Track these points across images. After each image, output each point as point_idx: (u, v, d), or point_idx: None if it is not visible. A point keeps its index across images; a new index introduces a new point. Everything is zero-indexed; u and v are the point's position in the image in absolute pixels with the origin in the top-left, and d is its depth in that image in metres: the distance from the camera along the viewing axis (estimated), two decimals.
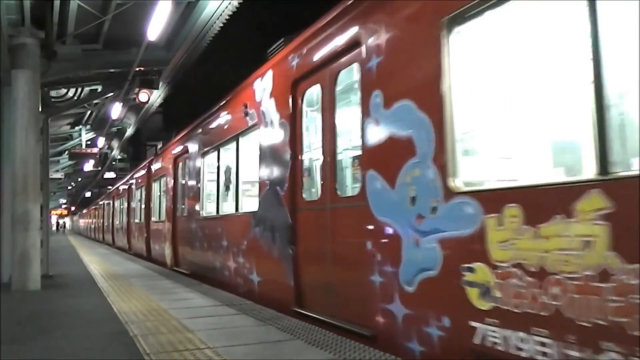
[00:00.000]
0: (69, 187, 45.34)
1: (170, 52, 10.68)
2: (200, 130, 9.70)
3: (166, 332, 4.45)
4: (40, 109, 8.51)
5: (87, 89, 13.39)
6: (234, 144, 7.70)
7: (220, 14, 8.85)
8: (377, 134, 4.09)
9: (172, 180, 11.72)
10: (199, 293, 6.92)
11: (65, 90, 13.37)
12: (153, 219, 14.37)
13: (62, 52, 9.26)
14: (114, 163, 30.83)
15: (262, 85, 6.49)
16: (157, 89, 12.12)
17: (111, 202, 25.37)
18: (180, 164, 11.32)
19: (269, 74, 6.35)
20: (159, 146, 15.10)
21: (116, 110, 14.09)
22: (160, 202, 13.68)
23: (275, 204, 5.87)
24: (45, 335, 4.62)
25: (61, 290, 7.79)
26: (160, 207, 13.62)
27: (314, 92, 5.49)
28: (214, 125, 8.85)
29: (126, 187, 19.98)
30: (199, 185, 9.44)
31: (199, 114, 10.11)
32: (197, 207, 9.55)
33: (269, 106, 6.22)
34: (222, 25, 9.29)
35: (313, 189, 5.81)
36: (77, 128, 19.55)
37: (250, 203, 7.50)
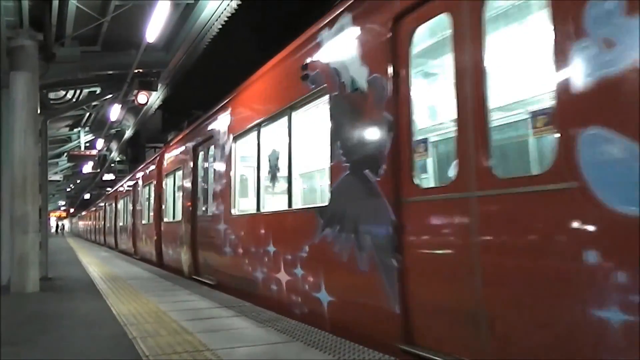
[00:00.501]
0: (68, 189, 45.34)
1: (169, 53, 10.69)
2: (229, 110, 7.88)
3: (165, 334, 4.44)
4: (38, 111, 8.50)
5: (85, 91, 13.41)
6: (284, 119, 5.95)
7: (219, 16, 8.87)
8: (608, 62, 2.47)
9: (191, 174, 10.00)
10: (199, 295, 6.91)
11: (64, 92, 13.39)
12: (165, 219, 12.51)
13: (60, 54, 9.26)
14: (113, 165, 30.82)
15: (333, 36, 4.92)
16: (156, 90, 12.13)
17: (114, 203, 23.58)
18: (202, 153, 9.57)
19: (346, 19, 4.71)
20: (170, 137, 13.05)
21: (115, 112, 14.10)
22: (174, 199, 11.76)
23: (362, 194, 4.27)
24: (44, 338, 4.60)
25: (60, 293, 7.77)
26: (174, 206, 11.72)
27: (434, 28, 4.05)
28: (250, 101, 7.21)
29: (131, 185, 18.16)
30: (230, 176, 7.64)
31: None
32: (226, 204, 7.75)
33: (348, 61, 4.57)
34: (221, 26, 9.31)
35: (435, 170, 4.57)
36: (75, 130, 19.57)
37: (312, 195, 6.43)
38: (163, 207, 12.78)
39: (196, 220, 9.58)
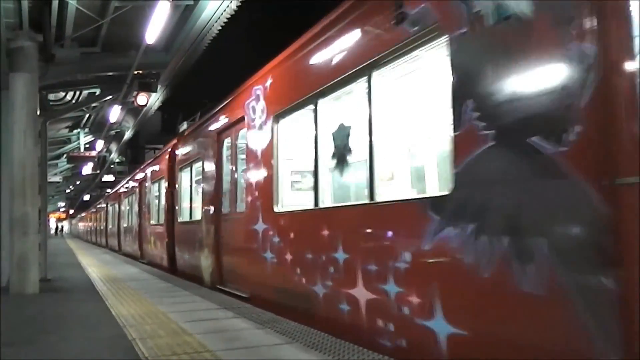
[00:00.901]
0: (68, 191, 45.37)
1: (169, 55, 10.70)
2: (268, 83, 6.43)
3: (165, 335, 4.44)
4: (38, 112, 8.51)
5: (85, 92, 13.44)
6: (361, 83, 4.54)
7: (219, 17, 8.89)
8: None
9: (214, 165, 8.54)
10: (198, 296, 6.90)
11: (63, 94, 13.43)
12: (180, 219, 11.09)
13: (60, 55, 9.27)
14: (112, 166, 30.88)
15: None
16: (156, 92, 12.14)
17: (117, 202, 22.19)
18: (228, 139, 8.13)
19: None
20: (182, 127, 11.70)
21: (115, 113, 14.11)
22: (191, 196, 10.36)
23: (525, 174, 2.86)
24: (43, 339, 4.59)
25: (59, 294, 7.76)
26: (192, 203, 10.34)
27: None
28: (301, 67, 5.73)
29: (137, 182, 16.67)
30: (270, 165, 6.26)
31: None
32: (266, 199, 6.35)
33: None
34: (220, 27, 9.33)
35: None
36: (75, 131, 19.60)
37: (412, 183, 5.07)
38: (177, 205, 11.30)
39: (221, 219, 8.18)
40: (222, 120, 8.31)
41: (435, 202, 3.55)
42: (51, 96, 13.09)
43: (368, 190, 4.36)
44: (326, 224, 4.95)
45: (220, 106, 8.46)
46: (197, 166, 9.84)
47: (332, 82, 4.94)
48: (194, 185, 10.24)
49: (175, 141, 11.90)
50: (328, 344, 3.98)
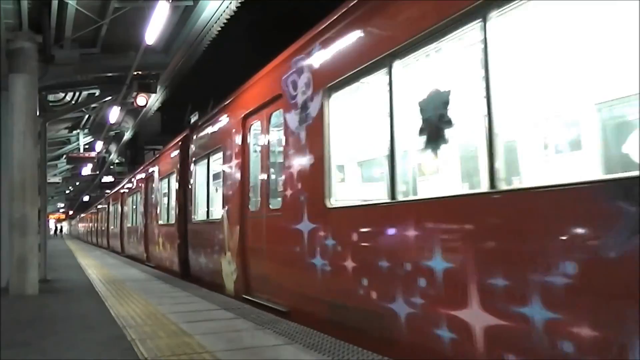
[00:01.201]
0: (67, 192, 45.38)
1: (168, 55, 10.71)
2: (316, 50, 5.21)
3: (164, 336, 4.44)
4: (38, 113, 8.51)
5: (85, 93, 13.45)
6: (472, 29, 3.36)
7: (219, 18, 8.90)
8: None
9: (239, 155, 7.35)
10: (198, 297, 6.89)
11: (63, 94, 13.44)
12: (195, 218, 9.94)
13: (59, 56, 9.28)
14: (112, 167, 30.87)
15: None
16: (155, 92, 12.15)
17: (119, 201, 20.92)
18: (258, 123, 6.91)
19: None
20: (194, 119, 10.71)
21: (114, 114, 14.12)
22: (208, 193, 9.26)
23: None
24: (42, 340, 4.59)
25: (59, 295, 7.76)
26: (209, 201, 9.24)
27: None
28: (364, 24, 4.49)
29: (142, 180, 15.60)
30: (319, 151, 5.06)
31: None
32: (312, 193, 5.18)
33: None
34: (220, 28, 9.34)
35: None
36: (74, 132, 19.61)
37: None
38: (190, 203, 10.13)
39: (248, 218, 7.02)
40: (249, 102, 7.13)
41: (630, 187, 2.37)
42: (51, 97, 13.10)
43: (488, 175, 3.18)
44: (412, 222, 3.83)
45: (246, 87, 7.36)
46: (215, 158, 8.76)
47: (417, 37, 3.74)
48: (211, 179, 9.19)
49: (187, 132, 10.76)
50: (327, 344, 3.99)
